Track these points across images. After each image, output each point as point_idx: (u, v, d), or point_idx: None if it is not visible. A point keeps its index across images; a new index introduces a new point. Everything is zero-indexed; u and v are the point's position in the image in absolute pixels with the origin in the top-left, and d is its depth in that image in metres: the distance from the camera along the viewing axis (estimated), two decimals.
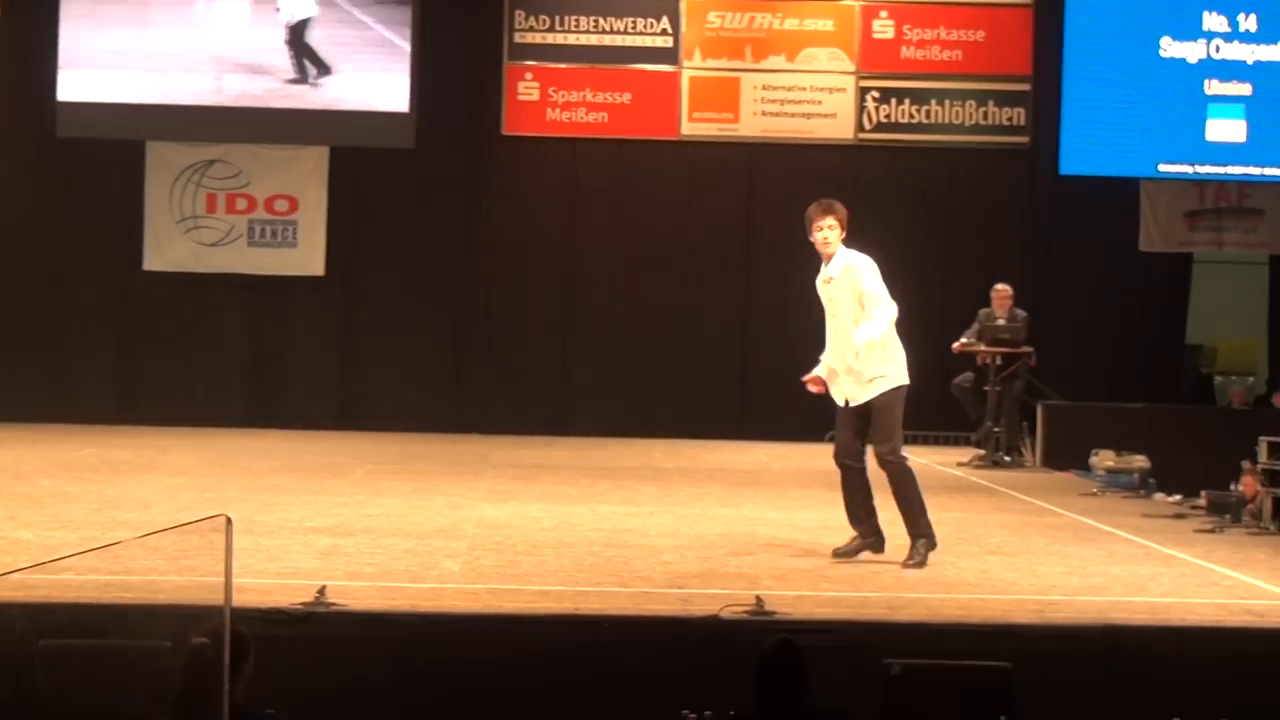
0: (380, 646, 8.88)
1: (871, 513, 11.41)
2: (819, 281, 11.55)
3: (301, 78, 22.10)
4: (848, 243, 11.51)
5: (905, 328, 22.38)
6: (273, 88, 22.12)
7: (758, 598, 9.34)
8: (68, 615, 8.39)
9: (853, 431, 11.39)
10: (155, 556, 9.94)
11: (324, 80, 22.11)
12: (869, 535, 11.39)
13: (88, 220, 22.07)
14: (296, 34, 22.11)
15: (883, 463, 11.36)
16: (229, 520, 5.76)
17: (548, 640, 8.94)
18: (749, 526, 13.10)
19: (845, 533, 12.76)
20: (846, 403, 11.37)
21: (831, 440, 11.68)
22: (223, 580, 6.02)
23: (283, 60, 22.15)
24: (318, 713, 7.87)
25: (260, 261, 22.30)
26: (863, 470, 11.39)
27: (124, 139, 21.99)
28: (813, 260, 22.04)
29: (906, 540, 11.28)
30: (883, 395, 11.29)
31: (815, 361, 11.70)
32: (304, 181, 22.28)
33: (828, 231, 11.31)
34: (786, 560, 11.33)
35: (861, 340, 11.14)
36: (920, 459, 19.44)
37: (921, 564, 11.07)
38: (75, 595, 8.93)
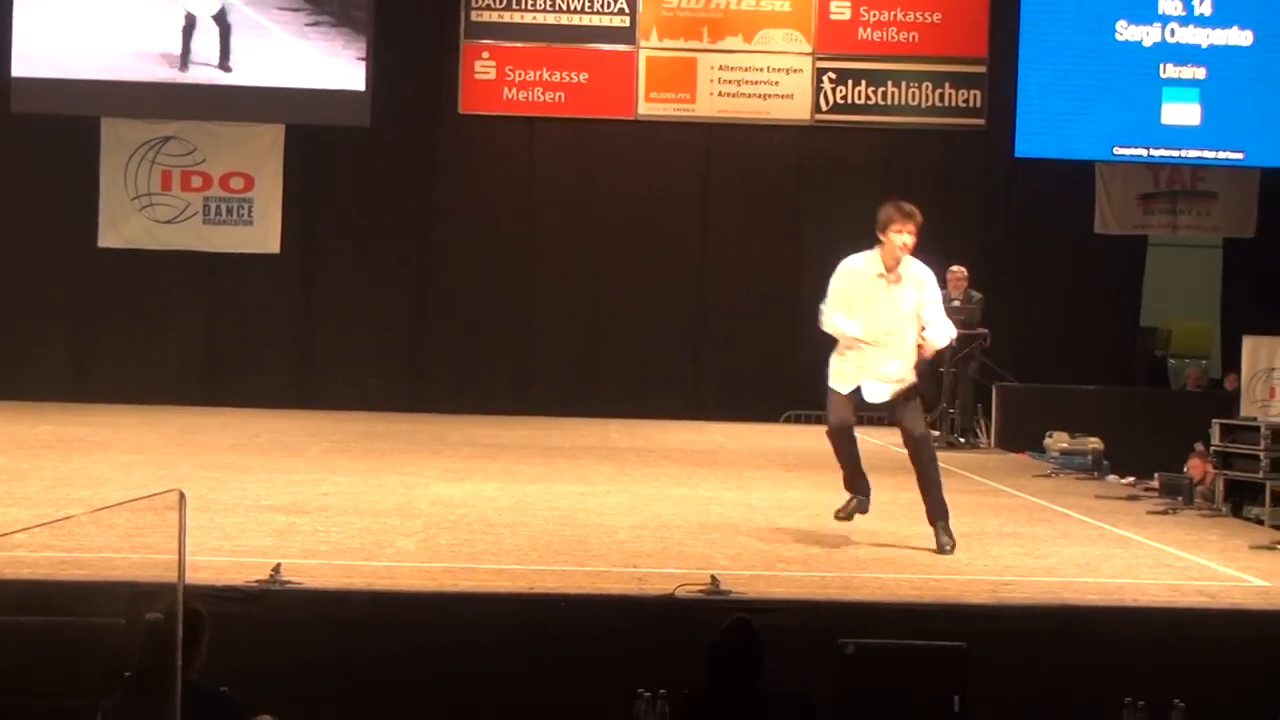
0: (335, 624, 8.86)
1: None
2: (871, 275, 11.22)
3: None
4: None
5: None
6: (231, 67, 22.05)
7: (713, 577, 9.34)
8: (20, 592, 8.36)
9: (854, 410, 11.46)
10: (109, 533, 9.93)
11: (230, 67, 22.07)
12: (856, 496, 11.51)
13: (42, 197, 21.96)
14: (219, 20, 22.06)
15: (915, 444, 11.41)
16: (182, 495, 5.74)
17: (503, 619, 8.93)
18: (704, 506, 13.11)
19: (800, 512, 12.85)
20: (858, 391, 11.33)
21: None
22: (176, 557, 5.98)
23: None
24: (272, 690, 7.84)
25: (216, 239, 22.24)
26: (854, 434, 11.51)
27: (79, 115, 21.89)
28: (769, 244, 22.18)
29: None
30: (910, 391, 11.32)
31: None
32: (260, 159, 22.22)
33: (908, 237, 11.05)
34: (741, 540, 11.34)
35: (942, 336, 11.15)
36: (874, 440, 19.47)
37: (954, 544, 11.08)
38: (28, 572, 8.89)
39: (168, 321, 22.11)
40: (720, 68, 22.45)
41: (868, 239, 22.96)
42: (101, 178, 22.13)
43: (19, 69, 21.84)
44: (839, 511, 11.47)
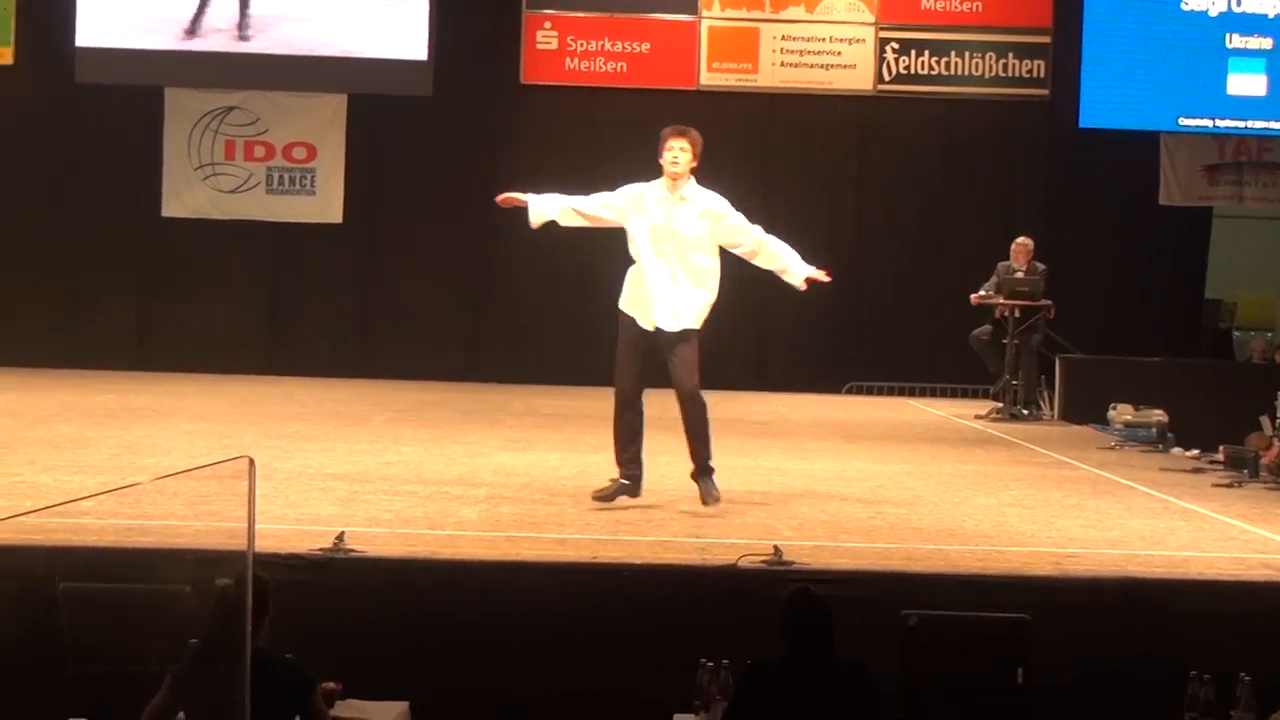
0: (398, 593, 8.90)
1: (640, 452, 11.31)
2: (654, 202, 11.22)
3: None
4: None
5: (923, 278, 22.47)
6: (293, 36, 22.05)
7: (775, 547, 9.33)
8: (88, 558, 8.41)
9: (643, 370, 11.36)
10: (174, 500, 9.98)
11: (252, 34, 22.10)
12: (636, 475, 11.29)
13: (107, 166, 22.07)
14: None
15: (688, 401, 11.31)
16: (252, 462, 5.75)
17: (566, 588, 8.95)
18: (767, 476, 13.10)
19: (862, 483, 12.81)
20: (656, 330, 11.21)
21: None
22: (243, 524, 6.00)
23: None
24: (336, 658, 7.88)
25: (278, 209, 22.30)
26: (642, 410, 11.32)
27: (143, 85, 21.97)
28: (830, 215, 22.13)
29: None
30: (695, 328, 11.27)
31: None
32: (322, 129, 22.26)
33: (679, 153, 11.12)
34: (804, 510, 11.33)
35: (779, 245, 11.33)
36: (938, 411, 19.55)
37: (719, 497, 11.02)
38: (95, 539, 8.95)
39: (231, 291, 22.18)
40: (783, 38, 22.36)
41: (930, 209, 22.98)
42: (165, 148, 22.20)
43: (83, 39, 21.92)
44: (599, 492, 11.22)
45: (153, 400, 17.41)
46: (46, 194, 21.96)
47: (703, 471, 11.24)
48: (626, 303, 11.35)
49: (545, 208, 11.41)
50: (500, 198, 11.44)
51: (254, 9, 22.00)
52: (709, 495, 11.09)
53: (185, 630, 6.91)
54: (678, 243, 11.15)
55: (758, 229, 11.42)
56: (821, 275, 11.54)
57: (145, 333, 22.23)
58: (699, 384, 11.32)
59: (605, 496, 11.13)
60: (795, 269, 11.47)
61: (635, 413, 11.32)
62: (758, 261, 11.55)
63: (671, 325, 11.18)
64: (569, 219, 11.53)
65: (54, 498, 10.76)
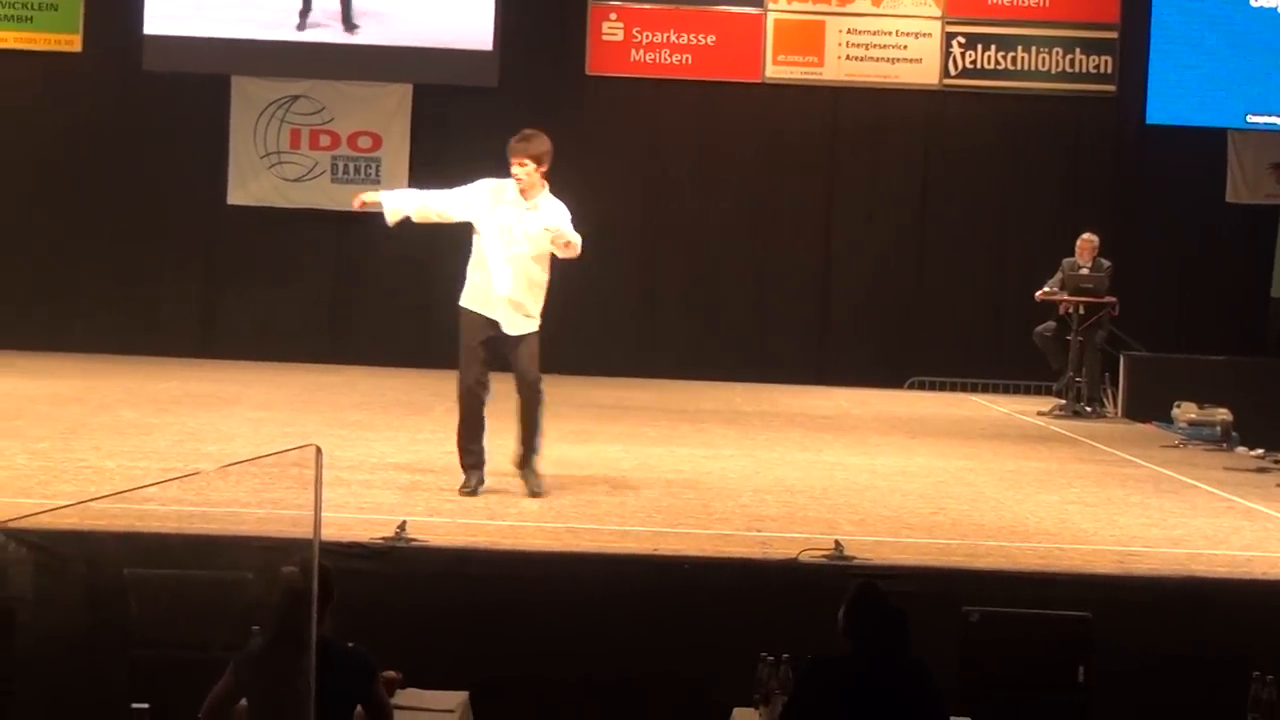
0: (459, 582, 8.93)
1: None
2: (507, 203, 11.29)
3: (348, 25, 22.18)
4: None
5: (987, 273, 22.37)
6: (374, 26, 22.12)
7: (836, 542, 9.33)
8: (153, 544, 8.46)
9: (488, 363, 11.35)
10: (237, 488, 10.03)
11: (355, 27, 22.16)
12: (481, 470, 11.27)
13: (173, 154, 22.16)
14: None
15: (532, 390, 11.29)
16: (318, 450, 5.77)
17: (626, 580, 8.96)
18: (828, 471, 13.08)
19: (924, 479, 12.79)
20: (496, 330, 11.26)
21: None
22: (307, 512, 6.02)
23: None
24: (396, 647, 7.90)
25: (343, 198, 22.19)
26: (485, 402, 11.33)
27: (209, 73, 22.06)
28: (894, 210, 22.07)
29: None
30: (535, 334, 11.36)
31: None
32: (387, 118, 22.30)
33: (521, 171, 11.28)
34: (865, 505, 11.31)
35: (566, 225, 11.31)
36: (1001, 407, 19.48)
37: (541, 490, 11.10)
38: (159, 525, 9.00)
39: (295, 279, 22.25)
40: (848, 31, 22.30)
41: (995, 204, 22.89)
42: (231, 136, 22.28)
43: (151, 27, 22.02)
44: (463, 488, 11.15)
45: (216, 387, 17.48)
46: (113, 182, 22.07)
47: (528, 461, 11.27)
48: (469, 299, 11.43)
49: (400, 205, 11.64)
50: (356, 202, 11.50)
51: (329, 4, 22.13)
52: (535, 486, 11.14)
53: (248, 618, 6.95)
54: (524, 247, 11.28)
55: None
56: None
57: (210, 320, 22.33)
58: (540, 379, 11.35)
59: (472, 490, 11.12)
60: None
61: (482, 405, 11.32)
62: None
63: (516, 330, 11.30)
64: (424, 215, 11.69)
65: (118, 483, 10.84)
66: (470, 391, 11.24)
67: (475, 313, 11.30)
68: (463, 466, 11.23)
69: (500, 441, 11.44)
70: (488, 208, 11.29)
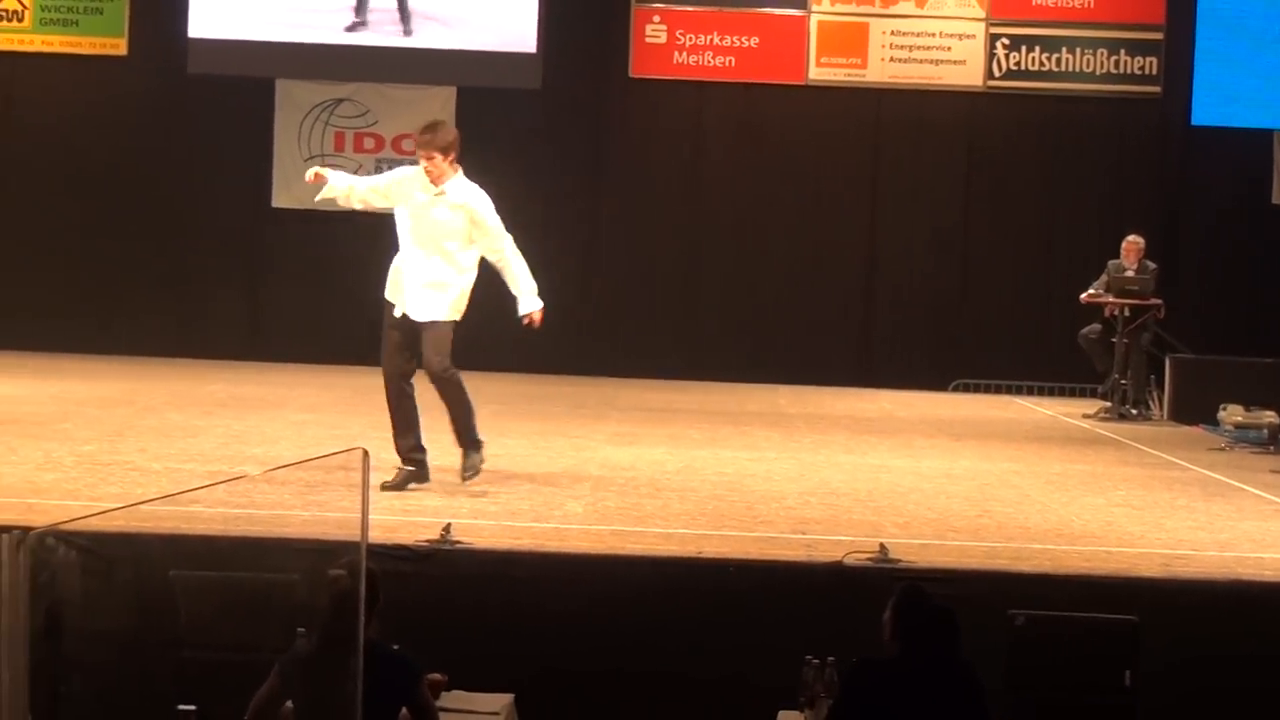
0: (503, 585, 8.93)
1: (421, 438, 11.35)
2: (416, 190, 11.29)
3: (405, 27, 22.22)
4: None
5: (1032, 275, 22.28)
6: (398, 28, 22.17)
7: (882, 545, 9.30)
8: (200, 546, 8.48)
9: (407, 352, 11.34)
10: (281, 490, 10.06)
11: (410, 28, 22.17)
12: (421, 460, 11.30)
13: (217, 157, 22.24)
14: None
15: (436, 380, 11.30)
16: (365, 454, 5.78)
17: (671, 583, 8.95)
18: (873, 474, 13.06)
19: (969, 481, 12.76)
20: (405, 317, 11.30)
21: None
22: (353, 515, 6.04)
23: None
24: (441, 649, 7.91)
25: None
26: (413, 394, 11.35)
27: (254, 76, 22.13)
28: (938, 212, 22.01)
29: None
30: (443, 323, 11.34)
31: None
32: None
33: (428, 163, 11.22)
34: (910, 508, 11.28)
35: (520, 269, 11.56)
36: (1046, 410, 19.42)
37: (478, 471, 11.06)
38: (204, 528, 9.03)
39: (340, 281, 22.25)
40: (892, 33, 22.27)
41: (1039, 206, 22.80)
42: (275, 139, 22.35)
43: (196, 30, 22.10)
44: (387, 483, 11.11)
45: (262, 390, 17.53)
46: (158, 184, 22.16)
47: (465, 444, 11.32)
48: (387, 290, 11.52)
49: (336, 183, 11.66)
50: (310, 174, 11.62)
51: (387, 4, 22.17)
52: (468, 468, 11.18)
53: (294, 620, 6.96)
54: (434, 232, 11.30)
55: (508, 242, 11.58)
56: (536, 318, 11.81)
57: (255, 323, 22.40)
58: (449, 365, 11.32)
59: (395, 485, 11.10)
60: (523, 300, 11.73)
61: (408, 398, 11.34)
62: (502, 273, 11.71)
63: (420, 316, 11.29)
64: (347, 201, 11.73)
65: (164, 485, 10.90)
66: (390, 380, 11.34)
67: (389, 302, 11.41)
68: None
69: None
70: (401, 196, 11.38)
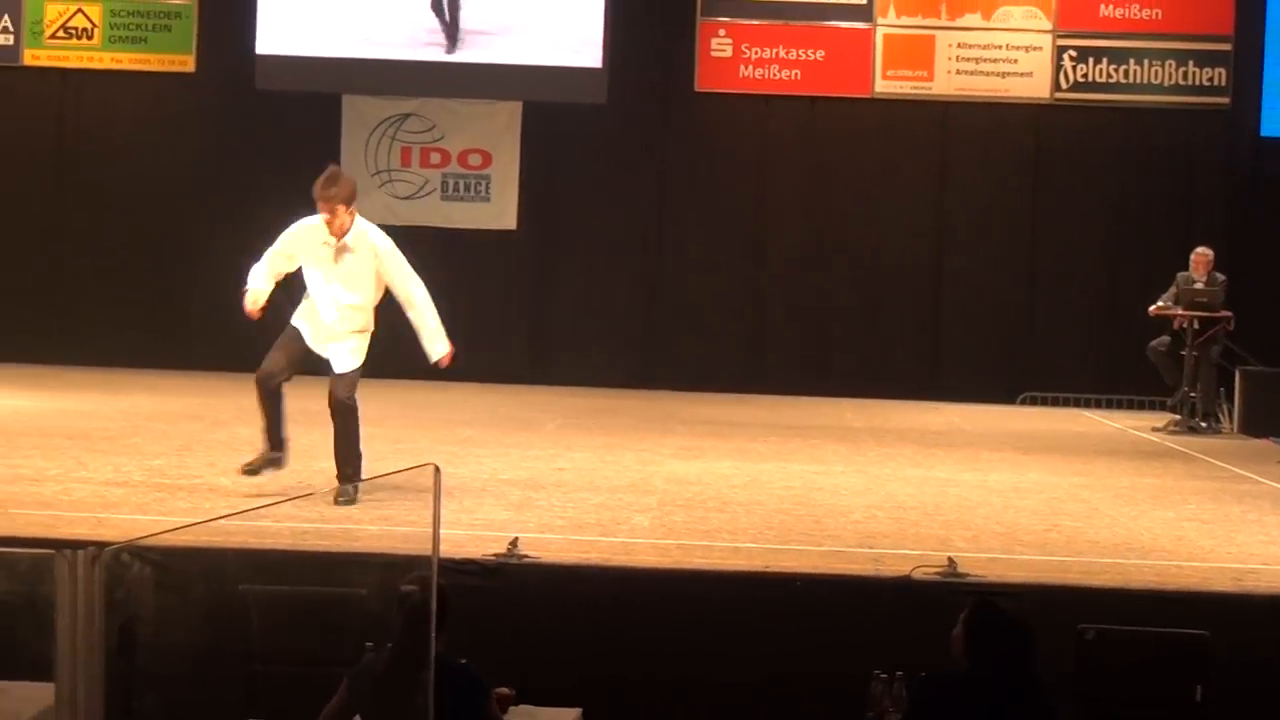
0: (571, 599, 8.93)
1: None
2: (318, 244, 11.54)
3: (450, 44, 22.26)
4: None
5: (1100, 288, 22.11)
6: (465, 42, 22.24)
7: (950, 559, 9.28)
8: (270, 561, 8.52)
9: (290, 360, 11.51)
10: (349, 505, 10.08)
11: (458, 45, 22.23)
12: (282, 450, 11.44)
13: (285, 173, 22.29)
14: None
15: (337, 405, 11.43)
16: (437, 470, 5.80)
17: (738, 597, 8.94)
18: (940, 487, 13.01)
19: (1037, 495, 12.70)
20: (311, 351, 11.55)
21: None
22: (422, 529, 6.05)
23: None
24: (508, 664, 7.92)
25: (453, 215, 22.47)
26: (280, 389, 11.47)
27: (321, 92, 22.23)
28: (1005, 224, 21.92)
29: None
30: (355, 370, 11.58)
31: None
32: (497, 136, 22.41)
33: (329, 216, 11.46)
34: (978, 522, 11.24)
35: (427, 308, 11.80)
36: (1114, 423, 19.33)
37: (353, 500, 10.98)
38: (273, 542, 9.07)
39: None
40: (958, 45, 22.21)
41: (1108, 218, 22.66)
42: (343, 154, 22.42)
43: (263, 47, 22.21)
44: (246, 465, 11.28)
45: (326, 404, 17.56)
46: (226, 200, 22.27)
47: (341, 475, 11.40)
48: (299, 319, 11.68)
49: (260, 285, 11.71)
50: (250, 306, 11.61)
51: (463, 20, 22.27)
52: (343, 496, 11.09)
53: (364, 634, 6.98)
54: (343, 282, 11.53)
55: (415, 284, 11.81)
56: (445, 361, 11.98)
57: None
58: (351, 397, 11.53)
59: (253, 469, 11.24)
60: (430, 344, 11.93)
61: (277, 397, 11.51)
62: (409, 312, 11.91)
63: (336, 368, 11.57)
64: (273, 279, 11.77)
65: (232, 499, 10.96)
66: (264, 381, 11.52)
67: (299, 328, 11.65)
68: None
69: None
70: (303, 250, 11.56)
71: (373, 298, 11.69)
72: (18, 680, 6.84)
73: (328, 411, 11.50)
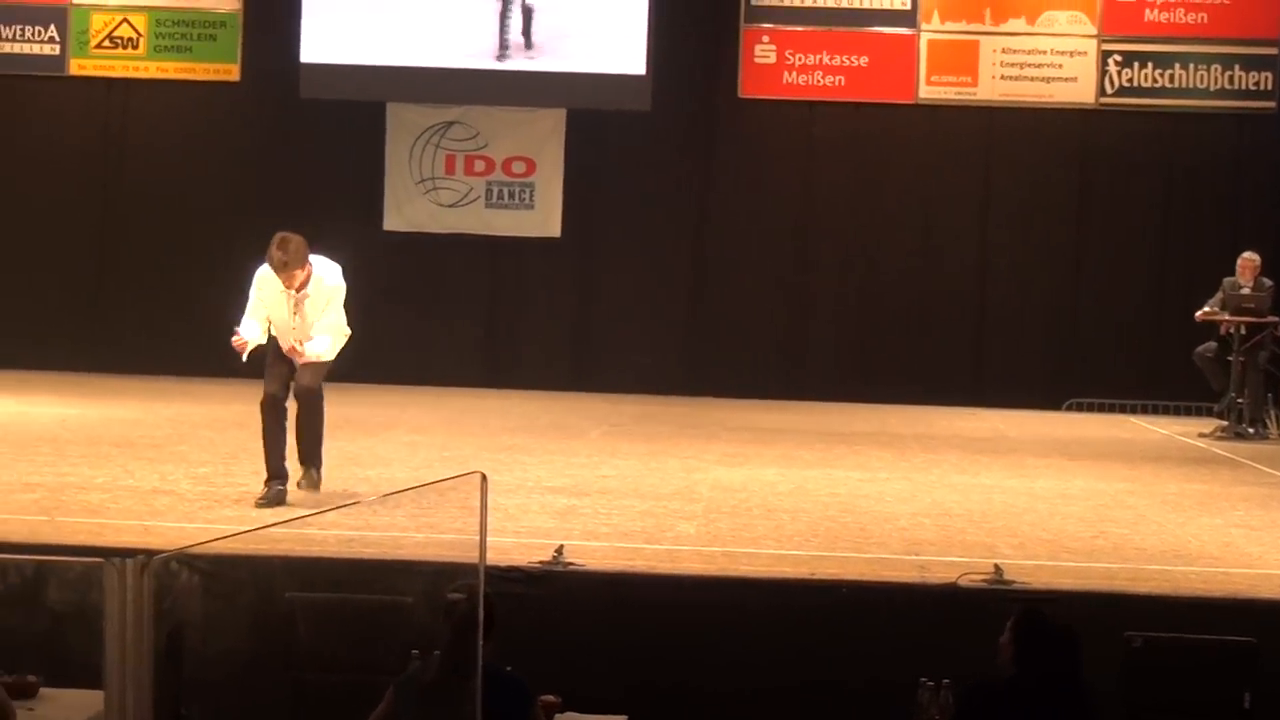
0: (616, 606, 8.93)
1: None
2: (277, 293, 11.73)
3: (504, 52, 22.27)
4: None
5: (1146, 293, 21.97)
6: (509, 51, 22.26)
7: (996, 566, 9.25)
8: (316, 569, 8.54)
9: (287, 377, 11.86)
10: (395, 513, 10.10)
11: (532, 52, 22.23)
12: (285, 479, 11.54)
13: (329, 181, 22.39)
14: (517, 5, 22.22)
15: (305, 393, 11.72)
16: (484, 478, 5.80)
17: (784, 604, 8.93)
18: (986, 494, 12.98)
19: (1084, 502, 12.66)
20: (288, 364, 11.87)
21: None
22: (468, 537, 6.05)
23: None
24: (554, 671, 7.92)
25: (497, 222, 22.49)
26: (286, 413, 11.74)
27: (365, 100, 22.28)
28: (1050, 230, 21.86)
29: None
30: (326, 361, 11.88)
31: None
32: (541, 143, 22.42)
33: (286, 277, 11.63)
34: (1025, 529, 11.21)
35: (318, 350, 11.77)
36: (1161, 429, 19.24)
37: (317, 488, 11.54)
38: (317, 550, 9.09)
39: (450, 303, 22.42)
40: (1003, 50, 22.16)
41: (1153, 223, 22.51)
42: (387, 162, 22.49)
43: (308, 55, 22.26)
44: (259, 499, 11.28)
45: (372, 412, 17.62)
46: (270, 209, 22.29)
47: (307, 460, 11.77)
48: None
49: (253, 337, 11.82)
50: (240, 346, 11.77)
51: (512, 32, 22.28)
52: (308, 481, 11.62)
53: (409, 641, 6.99)
54: (303, 329, 11.78)
55: (330, 327, 11.92)
56: (302, 352, 11.83)
57: (366, 345, 22.40)
58: (318, 388, 11.88)
59: (268, 502, 11.23)
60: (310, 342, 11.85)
61: (283, 418, 11.73)
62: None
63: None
64: (264, 334, 11.92)
65: (278, 507, 10.98)
66: (267, 404, 11.76)
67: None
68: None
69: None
70: (268, 301, 11.79)
71: (337, 334, 12.03)
72: (68, 688, 6.89)
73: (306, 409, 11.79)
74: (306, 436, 11.81)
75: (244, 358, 11.85)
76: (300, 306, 11.70)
